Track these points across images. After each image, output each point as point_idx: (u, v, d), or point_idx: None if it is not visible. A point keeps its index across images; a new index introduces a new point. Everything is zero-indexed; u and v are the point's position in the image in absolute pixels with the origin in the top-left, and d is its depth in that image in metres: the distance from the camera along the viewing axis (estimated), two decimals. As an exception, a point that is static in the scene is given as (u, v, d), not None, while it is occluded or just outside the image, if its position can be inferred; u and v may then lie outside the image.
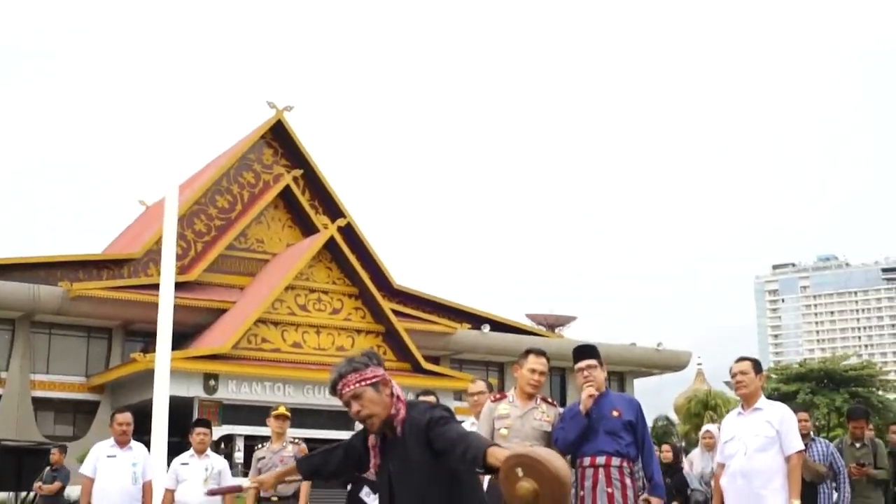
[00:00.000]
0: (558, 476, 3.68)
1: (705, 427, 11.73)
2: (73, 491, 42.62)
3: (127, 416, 10.34)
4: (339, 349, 57.53)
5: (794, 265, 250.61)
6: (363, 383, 4.40)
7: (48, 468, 16.65)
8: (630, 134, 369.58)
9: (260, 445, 10.66)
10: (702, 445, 11.48)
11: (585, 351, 7.64)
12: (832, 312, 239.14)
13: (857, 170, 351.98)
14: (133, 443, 10.32)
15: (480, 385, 9.10)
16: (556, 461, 3.71)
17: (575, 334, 78.09)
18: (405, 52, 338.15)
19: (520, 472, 3.69)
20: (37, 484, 16.53)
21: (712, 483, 8.56)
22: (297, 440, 10.45)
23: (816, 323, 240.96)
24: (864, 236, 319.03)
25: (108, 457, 10.12)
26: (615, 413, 7.22)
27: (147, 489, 10.19)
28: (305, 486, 10.13)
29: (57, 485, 15.98)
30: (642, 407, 7.53)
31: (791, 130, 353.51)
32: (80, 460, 38.38)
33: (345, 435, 45.49)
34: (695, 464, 11.47)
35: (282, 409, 10.54)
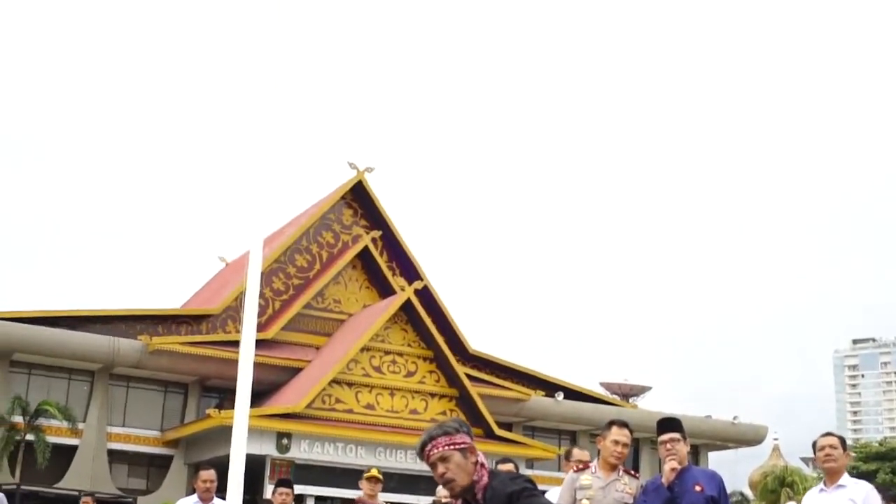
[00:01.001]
0: None
1: (789, 503, 11.59)
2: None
3: (211, 473, 10.48)
4: (412, 412, 57.52)
5: (874, 340, 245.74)
6: (452, 447, 4.49)
7: None
8: (707, 203, 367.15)
9: (353, 505, 10.70)
10: (784, 524, 11.35)
11: (669, 424, 7.60)
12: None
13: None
14: (216, 499, 10.45)
15: (587, 455, 9.07)
16: None
17: (649, 404, 77.36)
18: (484, 117, 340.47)
19: None
20: None
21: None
22: (389, 504, 10.50)
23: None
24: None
25: (192, 513, 10.26)
26: (697, 488, 7.18)
27: (227, 546, 10.31)
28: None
29: None
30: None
31: (874, 204, 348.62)
32: (153, 514, 38.42)
33: (415, 499, 45.37)
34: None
35: (374, 472, 10.54)
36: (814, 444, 7.80)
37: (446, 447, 4.50)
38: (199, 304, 68.40)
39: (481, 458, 4.56)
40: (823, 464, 7.63)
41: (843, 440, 7.74)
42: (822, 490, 7.65)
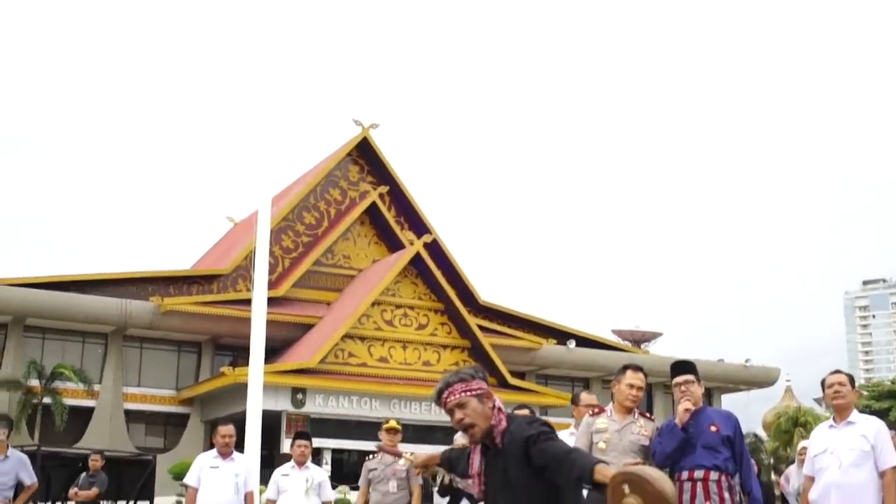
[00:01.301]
0: (664, 495, 3.77)
1: (802, 443, 11.66)
2: (164, 501, 43.44)
3: (230, 428, 10.57)
4: (425, 364, 57.81)
5: (884, 281, 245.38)
6: (468, 393, 4.53)
7: (84, 474, 16.46)
8: (718, 147, 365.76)
9: (371, 456, 10.76)
10: (798, 462, 11.41)
11: (683, 366, 7.67)
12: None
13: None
14: (235, 454, 10.54)
15: (594, 398, 9.13)
16: (664, 481, 3.80)
17: (661, 350, 77.49)
18: (490, 69, 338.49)
19: (626, 489, 3.80)
20: (73, 490, 16.18)
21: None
22: (410, 454, 10.50)
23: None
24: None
25: (212, 467, 10.33)
26: (713, 428, 7.24)
27: (249, 499, 10.40)
28: (418, 500, 10.25)
29: (94, 490, 15.75)
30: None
31: (884, 145, 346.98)
32: (172, 471, 39.01)
33: (430, 449, 45.72)
34: (791, 480, 11.39)
35: (393, 423, 10.63)
36: (822, 383, 7.82)
37: (463, 393, 4.54)
38: (209, 265, 68.61)
39: (498, 403, 4.60)
40: (832, 401, 7.66)
41: (851, 377, 7.77)
42: (831, 426, 7.68)
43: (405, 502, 10.22)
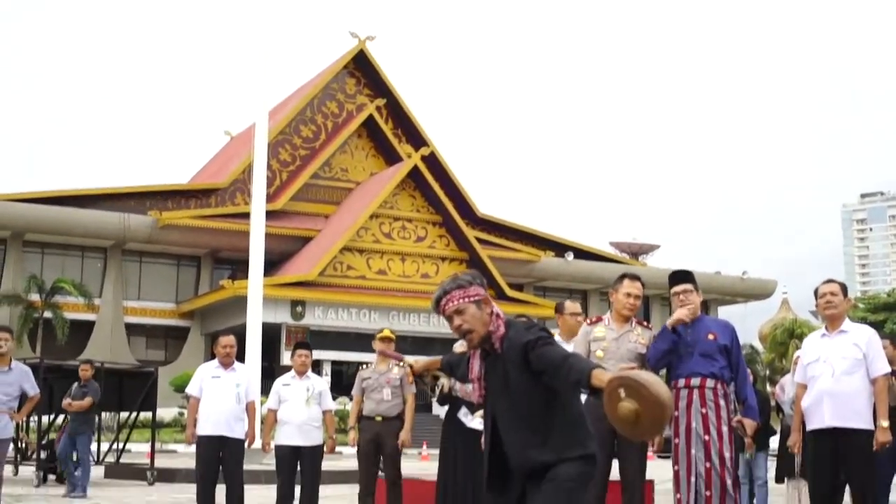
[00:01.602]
0: (659, 399, 3.82)
1: (797, 353, 11.79)
2: (166, 413, 43.86)
3: (230, 339, 10.63)
4: (423, 276, 58.05)
5: (882, 193, 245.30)
6: (466, 300, 4.55)
7: (76, 384, 16.19)
8: (716, 59, 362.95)
9: (365, 366, 10.83)
10: (793, 371, 11.54)
11: (681, 276, 7.69)
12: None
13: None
14: (236, 364, 10.61)
15: (578, 307, 9.14)
16: (660, 386, 3.85)
17: (658, 262, 77.83)
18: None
19: (622, 392, 3.85)
20: (66, 401, 15.85)
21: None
22: (402, 363, 10.56)
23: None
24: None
25: (213, 377, 10.41)
26: (710, 336, 7.29)
27: (251, 408, 10.52)
28: (411, 408, 10.37)
29: (88, 400, 15.62)
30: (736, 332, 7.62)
31: (882, 56, 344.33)
32: (173, 383, 39.31)
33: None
34: (786, 389, 11.49)
35: (386, 332, 10.68)
36: (815, 292, 7.84)
37: (461, 300, 4.57)
38: (206, 179, 68.51)
39: (496, 309, 4.62)
40: (824, 311, 7.69)
41: (843, 286, 7.78)
42: (823, 335, 7.72)
43: (399, 410, 10.31)
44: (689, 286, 7.55)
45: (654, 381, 3.86)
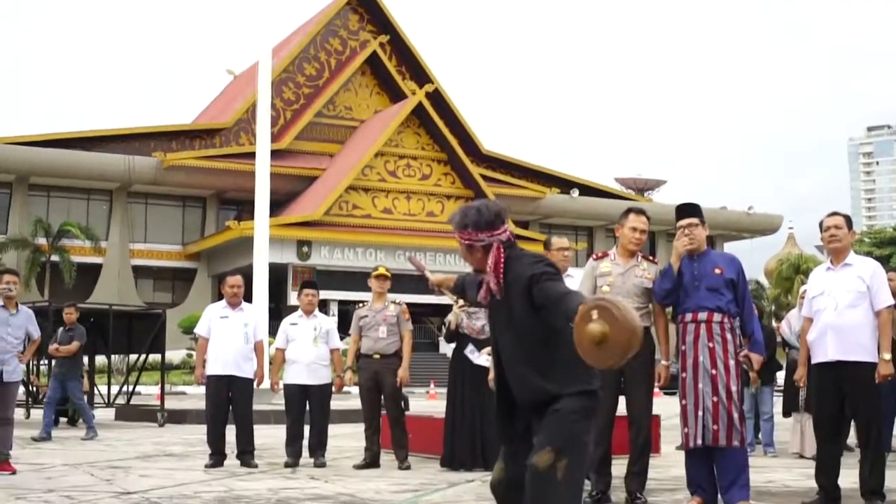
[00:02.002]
0: (630, 324, 3.81)
1: (803, 287, 11.79)
2: (174, 355, 44.10)
3: (238, 279, 10.65)
4: (429, 214, 58.05)
5: (889, 127, 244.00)
6: (478, 243, 4.50)
7: (61, 329, 15.87)
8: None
9: (361, 304, 10.86)
10: (799, 305, 11.55)
11: (687, 209, 7.57)
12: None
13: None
14: (244, 304, 10.65)
15: (565, 241, 9.05)
16: (631, 312, 3.85)
17: (664, 198, 77.71)
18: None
19: (594, 314, 3.86)
20: (52, 346, 15.51)
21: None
22: (398, 301, 10.61)
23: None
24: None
25: (221, 318, 10.46)
26: (717, 270, 7.25)
27: (259, 348, 10.57)
28: (408, 345, 10.41)
29: (75, 345, 15.38)
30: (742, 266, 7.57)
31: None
32: (181, 325, 39.42)
33: (434, 299, 46.03)
34: (792, 323, 11.49)
35: (382, 270, 10.68)
36: (820, 225, 7.80)
37: (469, 241, 4.52)
38: (210, 119, 68.27)
39: (506, 236, 4.50)
40: (829, 244, 7.64)
41: (848, 218, 7.72)
42: (828, 269, 7.69)
43: (396, 348, 10.34)
44: (694, 220, 7.49)
45: (628, 308, 3.87)
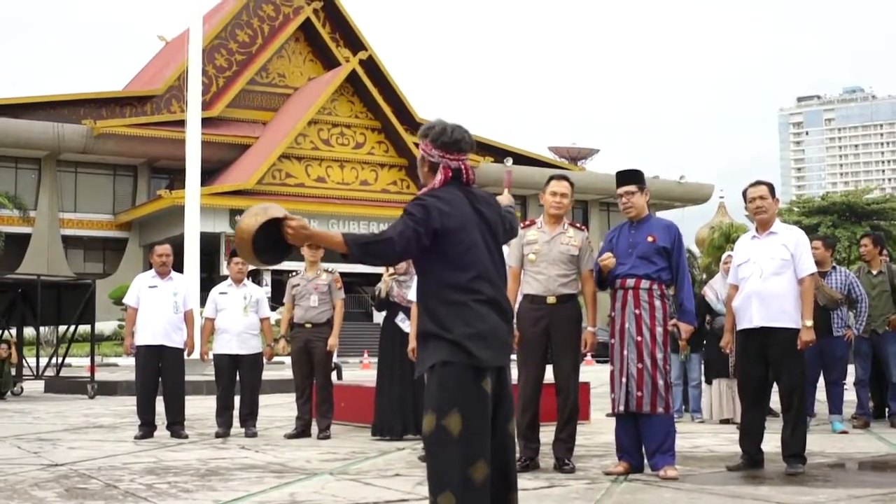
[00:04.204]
0: (240, 223, 4.03)
1: (727, 253, 11.95)
2: (105, 326, 43.61)
3: (167, 248, 10.55)
4: (362, 183, 57.90)
5: (819, 97, 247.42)
6: (424, 153, 4.39)
7: None
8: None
9: (293, 273, 10.84)
10: (723, 271, 11.71)
11: (627, 176, 7.61)
12: (856, 146, 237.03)
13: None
14: (173, 273, 10.55)
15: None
16: (249, 216, 4.02)
17: (597, 167, 78.06)
18: None
19: (255, 213, 4.04)
20: None
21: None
22: (330, 269, 10.62)
23: (840, 156, 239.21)
24: (891, 68, 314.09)
25: (150, 287, 10.36)
26: (650, 238, 7.25)
27: (189, 317, 10.49)
28: (339, 314, 10.40)
29: None
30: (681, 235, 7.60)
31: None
32: (112, 296, 38.96)
33: (368, 269, 46.00)
34: (717, 289, 11.65)
35: (315, 239, 10.67)
36: (744, 194, 7.86)
37: (422, 150, 4.44)
38: (141, 86, 67.32)
39: (455, 165, 4.37)
40: (755, 215, 7.71)
41: (771, 186, 7.78)
42: (754, 237, 7.78)
43: (328, 317, 10.35)
44: (632, 187, 7.50)
45: (251, 212, 4.06)
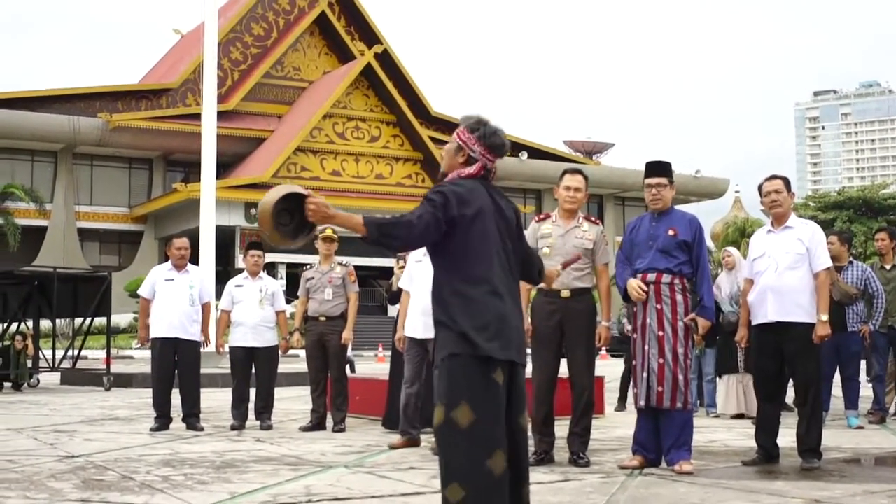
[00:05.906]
0: (264, 200, 4.11)
1: (725, 249, 11.93)
2: (121, 319, 43.73)
3: (184, 241, 10.55)
4: (377, 177, 57.91)
5: (835, 92, 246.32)
6: (457, 138, 4.44)
7: None
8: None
9: (308, 266, 10.83)
10: (725, 266, 11.71)
11: (658, 168, 7.54)
12: (873, 140, 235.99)
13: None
14: (190, 266, 10.54)
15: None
16: (272, 191, 4.12)
17: (612, 161, 78.05)
18: None
19: (279, 188, 4.17)
20: None
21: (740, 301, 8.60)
22: (345, 262, 10.60)
23: (857, 151, 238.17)
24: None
25: (167, 280, 10.36)
26: (671, 232, 7.20)
27: (205, 310, 10.50)
28: (354, 307, 10.39)
29: None
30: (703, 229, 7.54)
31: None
32: (128, 289, 39.12)
33: (382, 262, 46.01)
34: (722, 286, 11.59)
35: (329, 232, 10.63)
36: (759, 189, 7.83)
37: (455, 134, 4.46)
38: (156, 79, 67.45)
39: (467, 171, 4.38)
40: (770, 209, 7.68)
41: (786, 181, 7.75)
42: (769, 231, 7.76)
43: (342, 310, 10.34)
44: (663, 180, 7.43)
45: (275, 188, 4.16)
